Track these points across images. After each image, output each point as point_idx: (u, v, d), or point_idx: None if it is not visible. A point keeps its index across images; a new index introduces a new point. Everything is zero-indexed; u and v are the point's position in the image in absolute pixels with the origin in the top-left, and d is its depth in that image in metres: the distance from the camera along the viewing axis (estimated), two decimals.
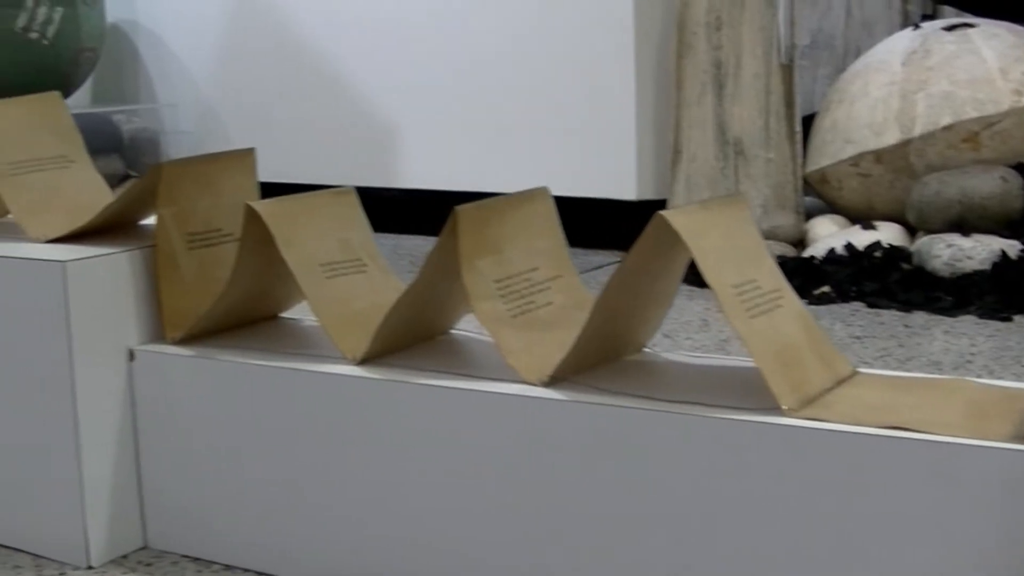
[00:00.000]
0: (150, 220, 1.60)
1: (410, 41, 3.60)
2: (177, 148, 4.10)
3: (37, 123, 1.62)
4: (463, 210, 1.30)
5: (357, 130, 3.71)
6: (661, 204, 3.23)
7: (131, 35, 4.32)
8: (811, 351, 1.24)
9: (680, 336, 2.45)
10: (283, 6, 3.86)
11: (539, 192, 1.41)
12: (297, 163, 3.80)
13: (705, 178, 3.15)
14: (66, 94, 4.12)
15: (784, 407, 1.14)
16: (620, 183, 3.26)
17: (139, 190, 1.46)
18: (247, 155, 1.52)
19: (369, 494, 1.31)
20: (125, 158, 4.01)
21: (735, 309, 1.19)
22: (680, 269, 1.32)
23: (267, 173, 3.59)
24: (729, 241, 1.24)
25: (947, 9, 4.02)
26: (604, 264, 3.12)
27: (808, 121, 3.28)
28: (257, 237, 1.35)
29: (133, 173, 3.99)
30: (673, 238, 1.19)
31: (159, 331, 1.45)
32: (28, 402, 1.43)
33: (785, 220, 3.08)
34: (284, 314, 1.55)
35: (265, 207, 1.35)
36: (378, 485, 1.31)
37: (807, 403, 1.16)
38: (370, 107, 3.69)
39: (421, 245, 3.41)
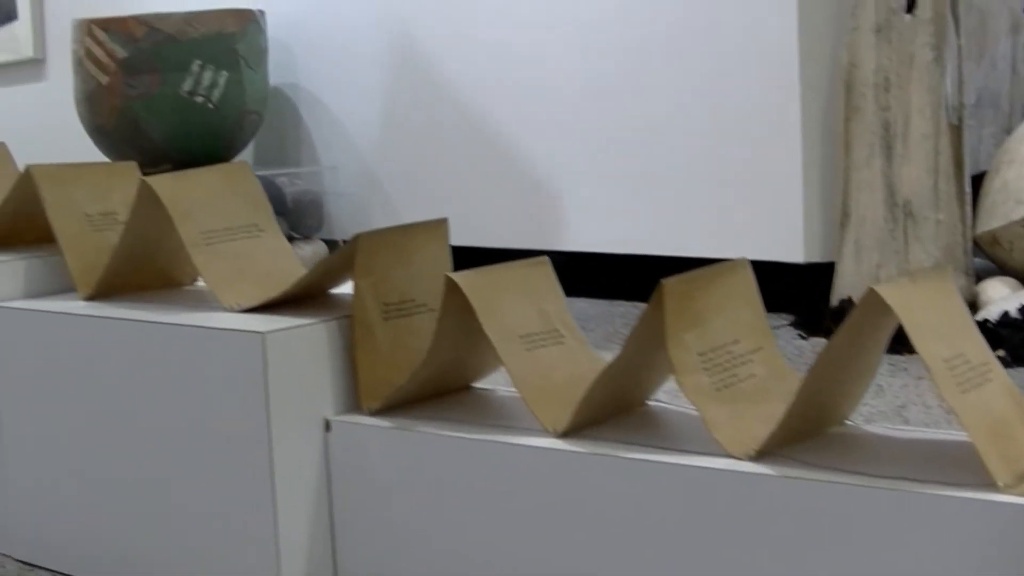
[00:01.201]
0: (339, 288, 1.61)
1: (574, 105, 3.59)
2: (338, 210, 4.14)
3: (228, 192, 1.64)
4: (669, 284, 1.28)
5: (519, 193, 3.71)
6: (829, 267, 3.19)
7: (293, 98, 4.37)
8: (1022, 426, 1.21)
9: None
10: (445, 69, 3.88)
11: (739, 263, 1.39)
12: (459, 226, 3.81)
13: (874, 240, 3.11)
14: (230, 157, 4.18)
15: (1000, 484, 1.11)
16: (787, 246, 3.23)
17: (335, 260, 1.47)
18: (440, 225, 1.52)
19: (571, 569, 1.30)
20: (289, 220, 4.05)
21: (947, 383, 1.16)
22: (885, 341, 1.29)
23: None
24: (938, 314, 1.22)
25: None
26: (773, 327, 3.08)
27: (975, 181, 3.23)
28: (456, 308, 1.34)
29: (296, 235, 4.03)
30: (884, 312, 1.16)
31: (355, 401, 1.45)
32: (226, 469, 1.43)
33: (956, 282, 3.02)
34: (477, 383, 1.54)
35: (465, 279, 1.34)
36: (580, 560, 1.29)
37: (1022, 479, 1.13)
38: (532, 170, 3.69)
39: (586, 308, 3.40)
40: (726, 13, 3.31)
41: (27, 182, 1.80)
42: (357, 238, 1.42)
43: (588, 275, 3.54)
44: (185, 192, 1.59)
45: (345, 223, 4.15)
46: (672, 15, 3.38)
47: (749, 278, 1.40)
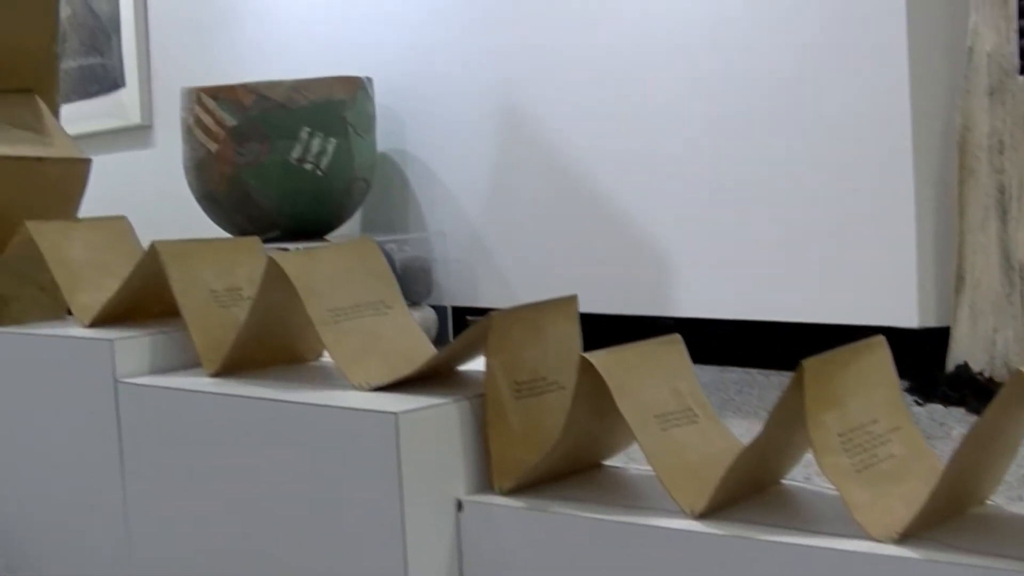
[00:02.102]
0: (465, 366, 1.61)
1: (682, 170, 3.59)
2: (447, 276, 4.15)
3: (355, 269, 1.64)
4: (809, 364, 1.27)
5: (627, 258, 3.71)
6: (944, 332, 3.15)
7: (401, 164, 4.39)
8: None
9: None
10: (552, 134, 3.89)
11: (876, 342, 1.37)
12: (566, 291, 3.81)
13: (990, 305, 3.07)
14: (338, 224, 4.20)
15: None
16: (901, 310, 3.20)
17: (467, 339, 1.46)
18: (571, 302, 1.52)
19: None
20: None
21: None
22: None
23: (529, 301, 3.61)
24: None
25: None
26: None
27: None
28: (591, 388, 1.33)
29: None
30: None
31: (487, 481, 1.44)
32: (358, 550, 1.43)
33: None
34: (608, 461, 1.53)
35: (599, 359, 1.34)
36: None
37: None
38: (641, 235, 3.68)
39: (698, 374, 3.36)
40: (837, 77, 3.29)
41: (152, 258, 1.81)
42: (490, 317, 1.42)
43: (698, 341, 3.52)
44: (313, 270, 1.60)
45: (454, 289, 4.16)
46: (782, 79, 3.37)
47: (886, 357, 1.38)
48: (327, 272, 1.61)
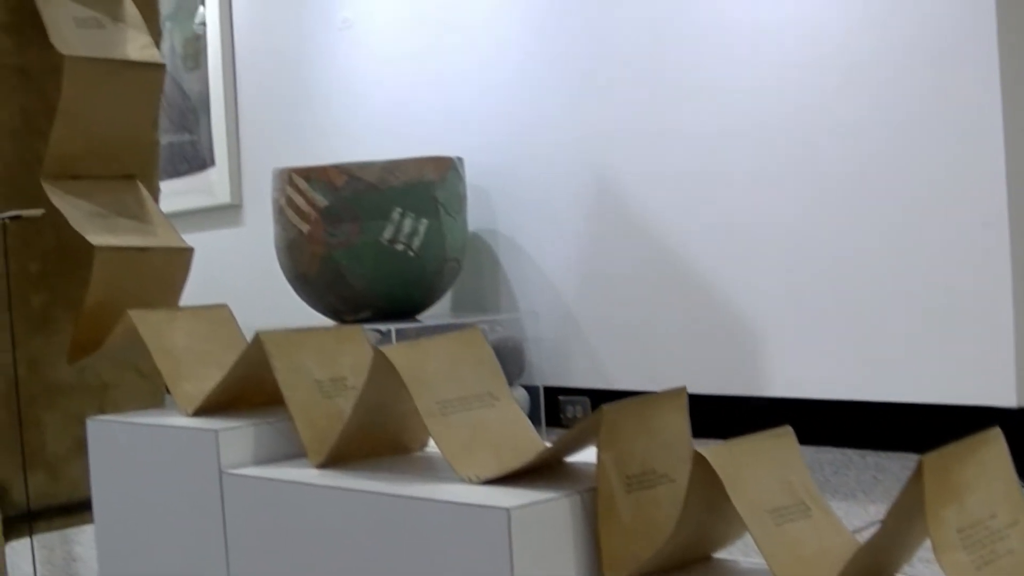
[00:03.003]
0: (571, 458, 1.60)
1: (779, 248, 3.57)
2: (539, 356, 4.14)
3: (461, 359, 1.64)
4: (928, 459, 1.26)
5: (720, 337, 3.69)
6: None
7: (492, 244, 4.40)
8: None
9: None
10: (643, 211, 3.89)
11: (993, 435, 1.36)
12: (659, 371, 3.80)
13: None
14: (429, 304, 4.21)
15: None
16: (999, 390, 3.16)
17: (577, 433, 1.46)
18: (680, 394, 1.51)
19: None
20: None
21: None
22: None
23: (628, 381, 3.61)
24: None
25: None
26: None
27: None
28: (704, 482, 1.32)
29: None
30: None
31: (598, 575, 1.43)
32: None
33: None
34: (718, 553, 1.52)
35: (713, 453, 1.33)
36: None
37: None
38: (735, 313, 3.66)
39: None
40: (933, 154, 3.27)
41: (256, 348, 1.82)
42: (601, 411, 1.41)
43: (791, 420, 3.49)
44: (420, 361, 1.60)
45: (546, 369, 4.15)
46: (878, 156, 3.35)
47: (1003, 449, 1.37)
48: (434, 363, 1.61)
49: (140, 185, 2.60)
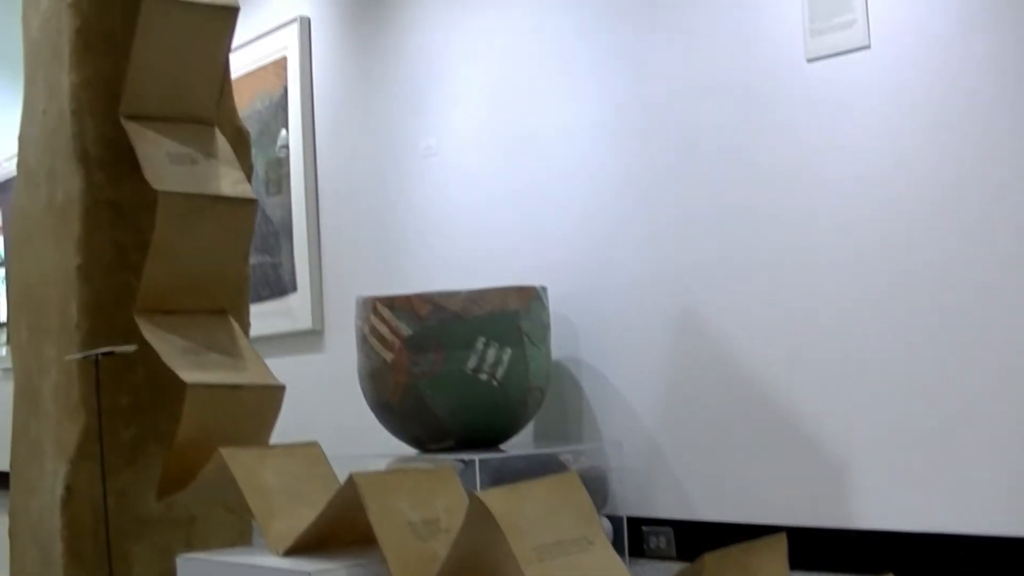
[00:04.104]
0: None
1: (862, 378, 3.54)
2: (623, 486, 4.12)
3: (558, 505, 1.63)
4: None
5: (804, 467, 3.65)
6: None
7: (575, 372, 4.39)
8: None
9: None
10: (727, 340, 3.87)
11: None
12: (745, 501, 3.76)
13: None
14: (513, 433, 4.19)
15: None
16: None
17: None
18: (779, 542, 1.49)
19: None
20: None
21: None
22: None
23: (712, 512, 3.57)
24: None
25: None
26: None
27: None
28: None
29: None
30: None
31: None
32: None
33: None
34: None
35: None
36: None
37: None
38: (818, 442, 3.63)
39: None
40: (1018, 284, 3.24)
41: (350, 489, 1.82)
42: (703, 559, 1.40)
43: (882, 553, 3.44)
44: (517, 507, 1.59)
45: (629, 499, 4.12)
46: (970, 289, 3.32)
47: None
48: (531, 509, 1.60)
49: (232, 320, 2.62)
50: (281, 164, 6.26)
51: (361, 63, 5.57)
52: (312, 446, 2.18)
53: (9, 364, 5.18)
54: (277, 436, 2.60)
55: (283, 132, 6.17)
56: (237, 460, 2.10)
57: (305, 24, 6.02)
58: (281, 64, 6.17)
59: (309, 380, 5.72)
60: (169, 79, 2.73)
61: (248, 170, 2.87)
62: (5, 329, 8.45)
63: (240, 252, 2.62)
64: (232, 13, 2.77)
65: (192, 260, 2.57)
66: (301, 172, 6.10)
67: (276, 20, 6.13)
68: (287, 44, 6.12)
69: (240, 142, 2.93)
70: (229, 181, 2.60)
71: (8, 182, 8.57)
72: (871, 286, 3.52)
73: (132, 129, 2.68)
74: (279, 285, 6.28)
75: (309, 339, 5.99)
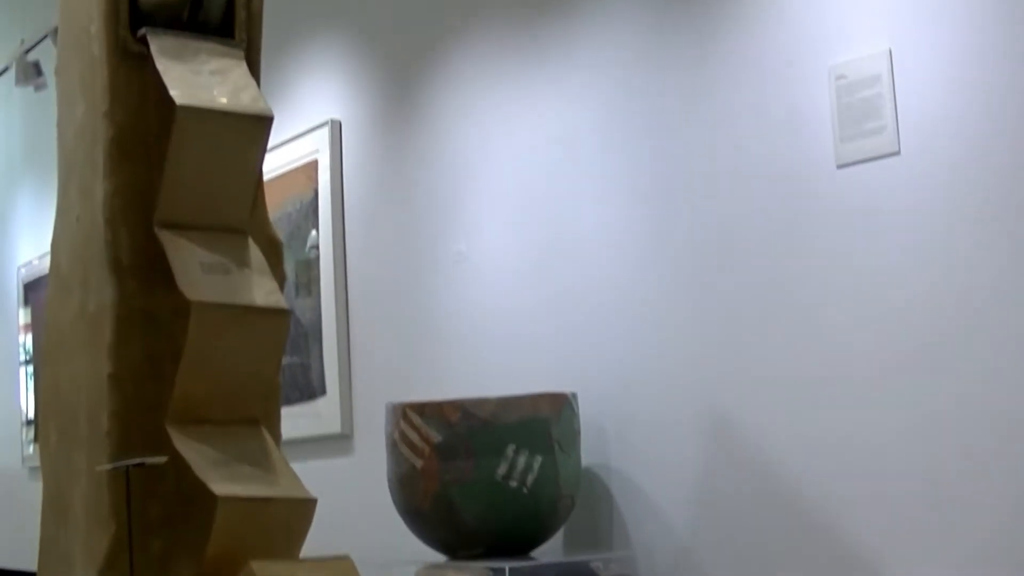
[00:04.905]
0: None
1: (879, 455, 3.51)
2: None
3: None
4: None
5: (838, 571, 3.62)
6: None
7: (605, 479, 4.37)
8: None
9: None
10: (759, 453, 3.85)
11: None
12: None
13: None
14: (543, 540, 4.17)
15: None
16: None
17: None
18: None
19: None
20: None
21: None
22: None
23: None
24: None
25: None
26: None
27: None
28: None
29: None
30: None
31: None
32: None
33: None
34: None
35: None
36: None
37: None
38: (852, 546, 3.59)
39: None
40: None
41: None
42: None
43: None
44: None
45: None
46: (1006, 391, 3.30)
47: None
48: None
49: (264, 430, 2.62)
50: (311, 266, 6.27)
51: (392, 166, 5.60)
52: (344, 560, 2.17)
53: (36, 463, 5.17)
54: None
55: (313, 233, 6.19)
56: (268, 573, 2.09)
57: (336, 127, 6.05)
58: (312, 167, 6.19)
59: (337, 484, 5.70)
60: (203, 188, 2.74)
61: (281, 280, 2.87)
62: (33, 427, 8.45)
63: (273, 362, 2.62)
64: (266, 123, 2.78)
65: (225, 370, 2.57)
66: (331, 275, 6.10)
67: (307, 123, 6.16)
68: (318, 147, 6.15)
69: (273, 251, 2.94)
70: (262, 291, 2.60)
71: (39, 280, 8.60)
72: (904, 400, 3.49)
73: (166, 238, 2.69)
74: (308, 388, 6.28)
75: (338, 443, 5.99)
